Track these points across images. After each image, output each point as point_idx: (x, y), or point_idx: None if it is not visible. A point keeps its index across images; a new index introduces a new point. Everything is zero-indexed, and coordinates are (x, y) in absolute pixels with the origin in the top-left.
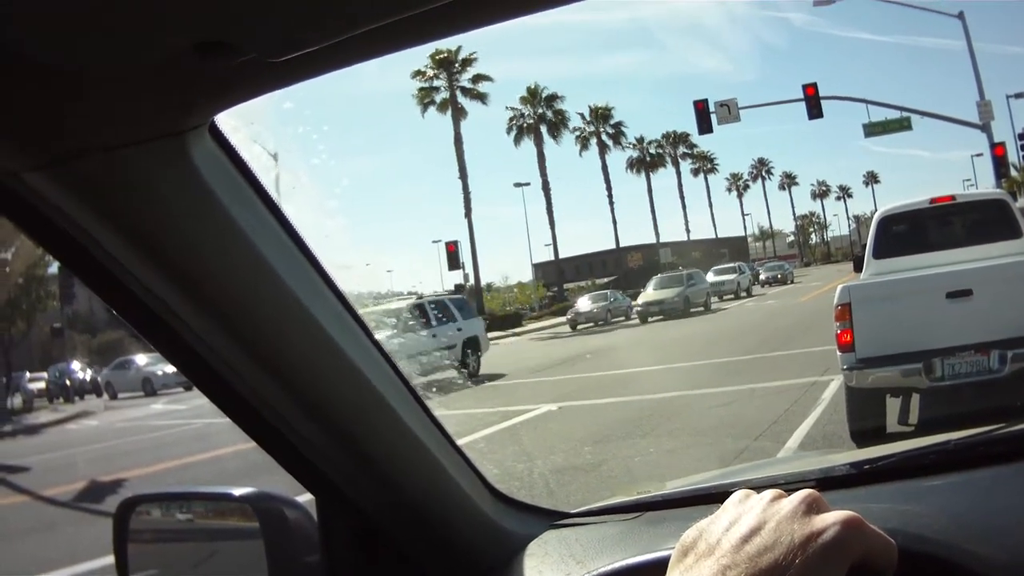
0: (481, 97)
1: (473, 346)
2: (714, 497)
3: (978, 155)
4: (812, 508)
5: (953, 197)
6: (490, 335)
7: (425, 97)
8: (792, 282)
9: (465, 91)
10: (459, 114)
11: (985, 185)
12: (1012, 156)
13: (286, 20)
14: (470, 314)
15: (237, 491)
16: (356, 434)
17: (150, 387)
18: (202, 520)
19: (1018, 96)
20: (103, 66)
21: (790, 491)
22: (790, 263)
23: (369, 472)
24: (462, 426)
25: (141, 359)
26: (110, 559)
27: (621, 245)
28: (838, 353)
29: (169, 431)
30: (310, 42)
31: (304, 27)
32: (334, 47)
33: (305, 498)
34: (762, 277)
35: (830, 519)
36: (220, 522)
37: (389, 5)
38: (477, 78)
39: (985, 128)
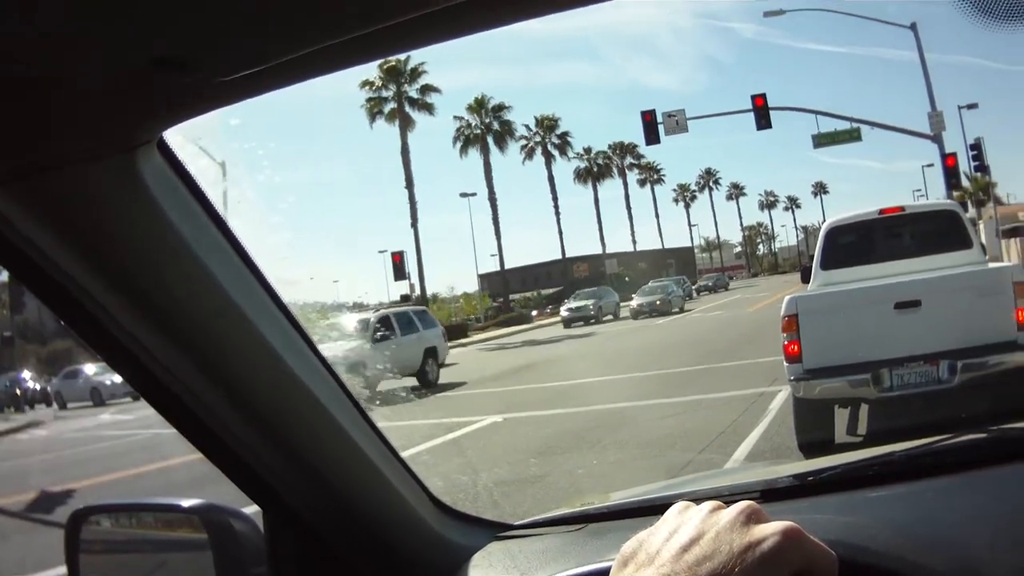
0: (428, 107)
1: (432, 355)
2: (657, 509)
3: (929, 165)
4: (751, 519)
5: (902, 208)
6: None
7: (374, 107)
8: (681, 310)
9: (412, 101)
10: (407, 124)
11: (936, 195)
12: (964, 166)
13: (237, 39)
14: (431, 324)
15: (186, 503)
16: (300, 446)
17: (99, 397)
18: (152, 531)
19: (970, 107)
20: (55, 83)
21: (732, 503)
22: (696, 277)
23: (314, 484)
24: (407, 438)
25: (90, 368)
26: (62, 569)
27: (567, 256)
28: (785, 364)
29: (118, 441)
30: (260, 61)
31: (255, 46)
32: (283, 65)
33: (253, 509)
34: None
35: (769, 529)
36: (169, 533)
37: (337, 26)
38: (425, 89)
39: (936, 139)
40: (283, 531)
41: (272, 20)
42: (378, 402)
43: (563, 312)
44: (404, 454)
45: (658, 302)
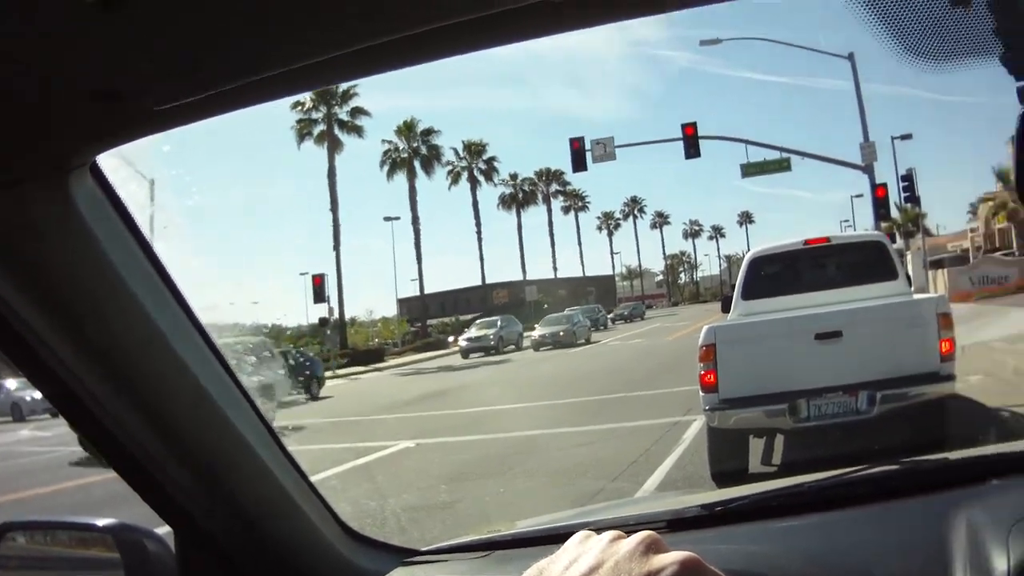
0: (358, 130)
1: (267, 395)
2: (562, 537)
3: (858, 196)
4: (651, 549)
5: (828, 239)
6: (352, 370)
7: (303, 129)
8: (587, 341)
9: (342, 124)
10: (335, 147)
11: (864, 226)
12: (895, 197)
13: (172, 71)
14: (268, 361)
15: (100, 522)
16: (214, 469)
17: (19, 412)
18: (67, 549)
19: (903, 138)
20: None
21: (638, 532)
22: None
23: (225, 507)
24: (317, 462)
25: (11, 383)
26: None
27: (488, 282)
28: (701, 394)
29: (37, 457)
30: (194, 92)
31: (189, 78)
32: (216, 96)
33: (166, 530)
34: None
35: (667, 559)
36: (84, 552)
37: (271, 60)
38: (355, 111)
39: (867, 169)
40: (194, 552)
41: (209, 53)
42: None
43: (461, 342)
44: (314, 478)
45: (561, 333)
